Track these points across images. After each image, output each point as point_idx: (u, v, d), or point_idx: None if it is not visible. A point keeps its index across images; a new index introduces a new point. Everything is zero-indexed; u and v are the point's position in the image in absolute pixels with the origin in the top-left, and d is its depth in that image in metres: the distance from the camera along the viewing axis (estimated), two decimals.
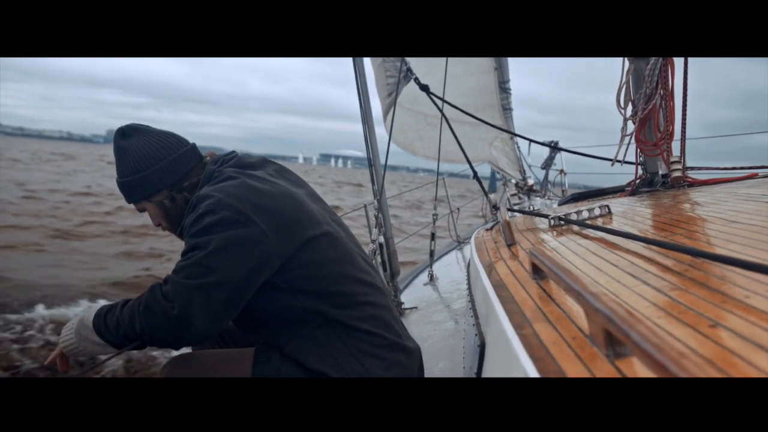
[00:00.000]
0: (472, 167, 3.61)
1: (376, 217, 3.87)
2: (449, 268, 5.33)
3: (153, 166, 1.84)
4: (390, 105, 6.03)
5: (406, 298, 4.31)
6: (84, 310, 1.75)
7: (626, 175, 3.76)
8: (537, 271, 1.43)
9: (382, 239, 3.86)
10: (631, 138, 3.42)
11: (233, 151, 1.97)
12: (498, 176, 9.79)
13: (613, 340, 0.84)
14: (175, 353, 1.88)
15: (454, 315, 3.57)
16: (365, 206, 4.10)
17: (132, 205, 1.94)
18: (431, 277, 4.81)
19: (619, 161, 3.55)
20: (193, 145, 1.96)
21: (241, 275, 1.60)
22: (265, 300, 1.72)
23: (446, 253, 6.27)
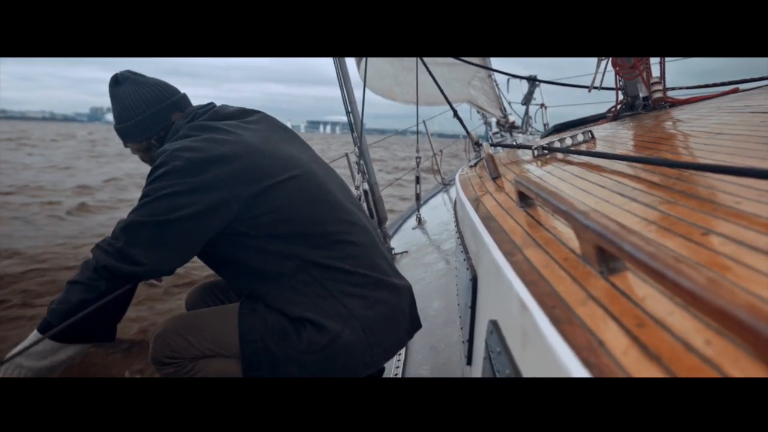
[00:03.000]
0: (452, 107, 3.57)
1: (358, 164, 3.84)
2: (436, 211, 5.34)
3: (134, 117, 1.90)
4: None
5: (396, 243, 4.32)
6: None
7: (610, 103, 3.74)
8: (524, 199, 1.41)
9: (366, 186, 3.84)
10: (607, 63, 3.37)
11: (211, 103, 1.97)
12: (480, 119, 9.74)
13: (606, 255, 0.82)
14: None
15: (445, 255, 3.58)
16: (346, 154, 4.07)
17: None
18: (419, 221, 4.82)
19: (596, 87, 3.51)
20: (178, 99, 1.98)
21: (187, 215, 1.62)
22: (238, 248, 1.74)
23: (432, 196, 6.28)
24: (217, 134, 1.74)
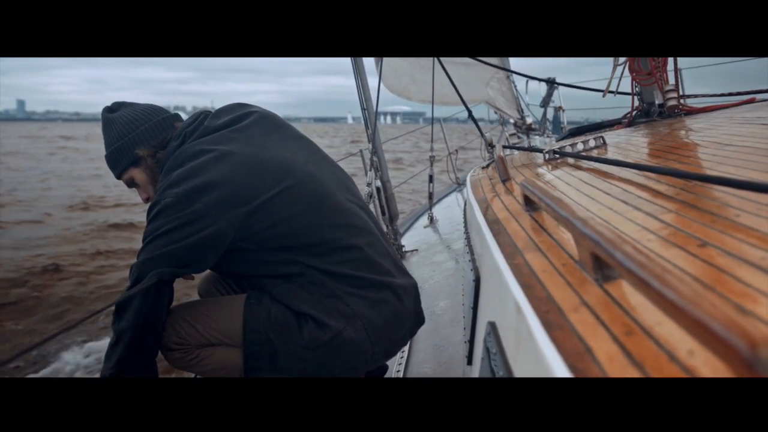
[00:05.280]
0: (467, 107, 3.58)
1: (372, 161, 3.86)
2: (449, 210, 5.34)
3: (139, 127, 1.91)
4: None
5: (407, 241, 4.33)
6: None
7: (628, 108, 3.73)
8: (529, 203, 1.43)
9: (378, 183, 3.86)
10: (624, 68, 3.37)
11: (201, 114, 1.96)
12: (496, 116, 9.70)
13: (601, 263, 0.84)
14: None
15: (455, 255, 3.60)
16: (361, 151, 4.08)
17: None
18: (431, 220, 4.83)
19: (612, 92, 3.51)
20: (176, 114, 2.04)
21: (182, 248, 1.67)
22: (242, 263, 1.80)
23: (446, 196, 6.28)
24: (204, 158, 1.75)
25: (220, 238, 1.70)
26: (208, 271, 2.14)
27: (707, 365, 0.57)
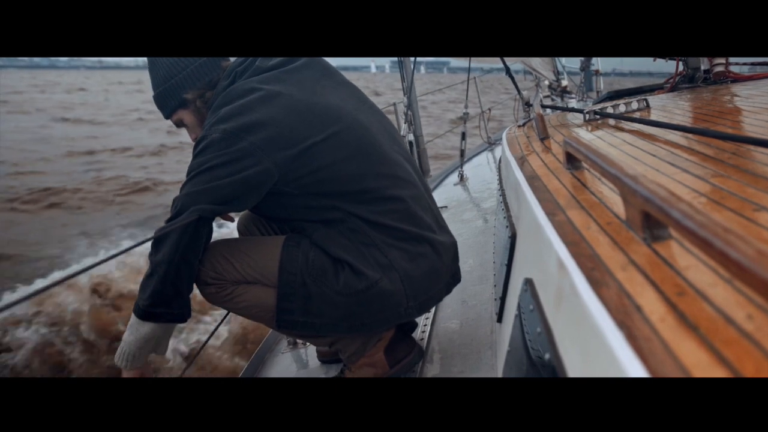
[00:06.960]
0: (505, 64, 3.52)
1: (406, 114, 3.81)
2: (480, 169, 5.30)
3: (184, 70, 1.88)
4: None
5: (437, 197, 4.29)
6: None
7: (666, 75, 3.63)
8: (571, 161, 1.39)
9: (411, 137, 3.82)
10: None
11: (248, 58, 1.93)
12: (530, 74, 9.51)
13: (652, 222, 0.81)
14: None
15: (484, 214, 3.57)
16: (394, 104, 4.04)
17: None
18: (461, 177, 4.79)
19: (659, 56, 3.42)
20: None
21: (226, 184, 1.67)
22: (282, 206, 1.79)
23: (477, 154, 6.23)
24: (253, 96, 1.73)
25: (264, 178, 1.69)
26: (247, 211, 2.14)
27: (764, 330, 0.55)
